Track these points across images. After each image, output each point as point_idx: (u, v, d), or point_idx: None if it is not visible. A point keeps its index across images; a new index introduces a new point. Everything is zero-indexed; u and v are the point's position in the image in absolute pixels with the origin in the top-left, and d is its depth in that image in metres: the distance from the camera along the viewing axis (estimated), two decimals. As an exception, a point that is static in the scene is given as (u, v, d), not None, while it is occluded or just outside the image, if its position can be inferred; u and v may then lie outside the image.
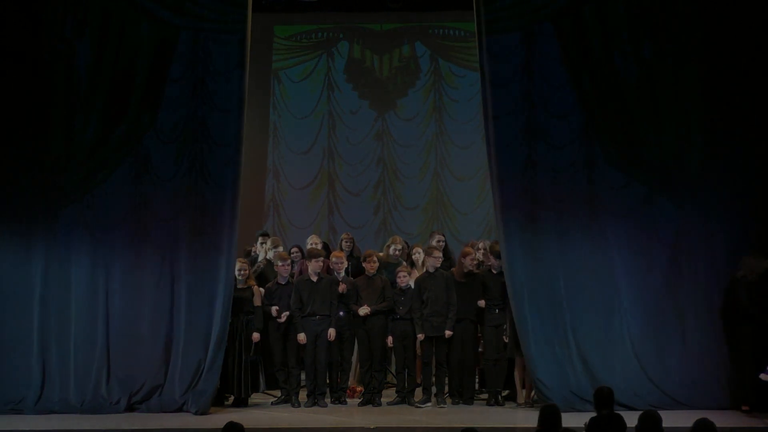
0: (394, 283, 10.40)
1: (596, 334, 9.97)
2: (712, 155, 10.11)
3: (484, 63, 10.11)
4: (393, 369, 10.72)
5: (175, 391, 9.91)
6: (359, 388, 10.58)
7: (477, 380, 10.59)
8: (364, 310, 10.21)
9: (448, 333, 10.14)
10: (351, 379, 10.86)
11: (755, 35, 10.10)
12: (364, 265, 10.50)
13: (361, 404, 10.25)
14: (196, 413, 9.68)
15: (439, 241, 10.99)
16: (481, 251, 10.78)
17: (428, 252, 10.47)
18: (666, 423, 6.40)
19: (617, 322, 10.01)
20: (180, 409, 9.83)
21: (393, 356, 10.60)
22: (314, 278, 10.26)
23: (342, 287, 10.29)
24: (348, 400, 10.44)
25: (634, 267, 10.09)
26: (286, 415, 9.77)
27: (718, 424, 6.04)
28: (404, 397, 10.31)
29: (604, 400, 6.65)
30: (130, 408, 9.90)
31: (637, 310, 10.03)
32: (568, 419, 8.64)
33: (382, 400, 10.29)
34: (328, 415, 9.80)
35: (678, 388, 9.82)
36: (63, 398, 9.95)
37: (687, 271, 10.06)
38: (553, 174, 10.16)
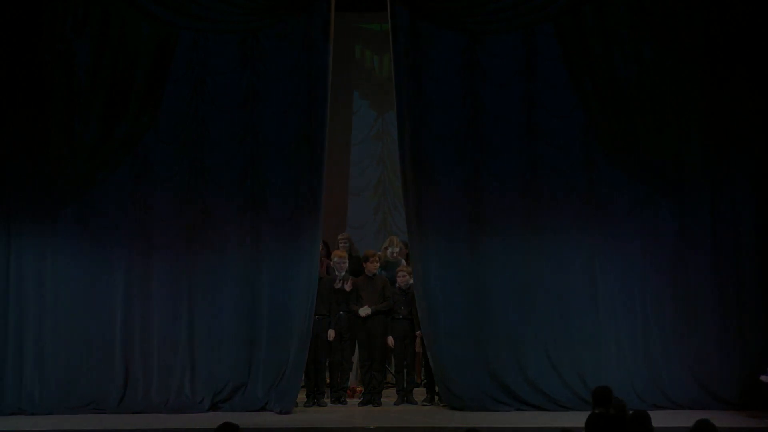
0: (394, 282, 10.40)
1: (558, 335, 10.02)
2: (712, 155, 10.10)
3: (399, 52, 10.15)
4: (392, 369, 10.72)
5: (258, 390, 9.94)
6: (359, 388, 10.58)
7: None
8: (365, 311, 10.21)
9: (446, 334, 10.17)
10: (351, 379, 10.86)
11: (755, 35, 10.09)
12: (365, 265, 10.49)
13: (361, 404, 10.25)
14: (279, 412, 9.71)
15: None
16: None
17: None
18: (666, 423, 6.42)
19: (580, 321, 10.03)
20: (263, 408, 9.85)
21: (392, 356, 10.61)
22: (313, 278, 10.28)
23: (349, 284, 10.29)
24: (348, 400, 10.43)
25: (633, 267, 10.09)
26: (286, 415, 9.76)
27: (717, 425, 6.03)
28: (404, 397, 10.31)
29: (599, 399, 6.68)
30: (214, 407, 9.90)
31: (631, 311, 10.05)
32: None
33: (382, 400, 10.29)
34: (328, 415, 9.81)
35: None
36: (146, 398, 9.96)
37: (687, 270, 10.06)
38: (554, 174, 10.16)
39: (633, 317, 10.05)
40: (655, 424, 6.35)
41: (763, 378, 9.28)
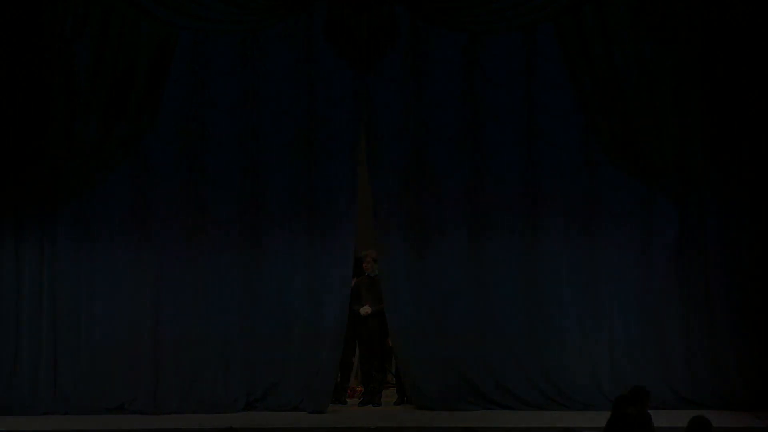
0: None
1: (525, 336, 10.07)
2: (712, 155, 10.09)
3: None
4: (393, 369, 10.72)
5: (291, 390, 9.94)
6: (359, 388, 10.58)
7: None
8: (365, 310, 10.22)
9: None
10: (351, 379, 10.86)
11: (755, 35, 10.07)
12: (364, 266, 10.50)
13: (361, 404, 10.26)
14: (312, 412, 9.73)
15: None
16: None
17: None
18: (666, 423, 6.43)
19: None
20: (297, 408, 9.86)
21: (393, 356, 10.61)
22: (312, 278, 10.27)
23: (351, 283, 10.30)
24: (348, 400, 10.44)
25: (629, 267, 10.12)
26: (286, 415, 9.76)
27: (717, 424, 6.04)
28: (404, 397, 10.31)
29: (635, 398, 6.69)
30: (248, 407, 9.91)
31: (597, 311, 10.09)
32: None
33: (382, 400, 10.29)
34: (328, 414, 9.80)
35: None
36: (180, 398, 9.94)
37: (653, 273, 10.09)
38: (553, 174, 10.17)
39: (599, 317, 10.06)
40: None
41: None
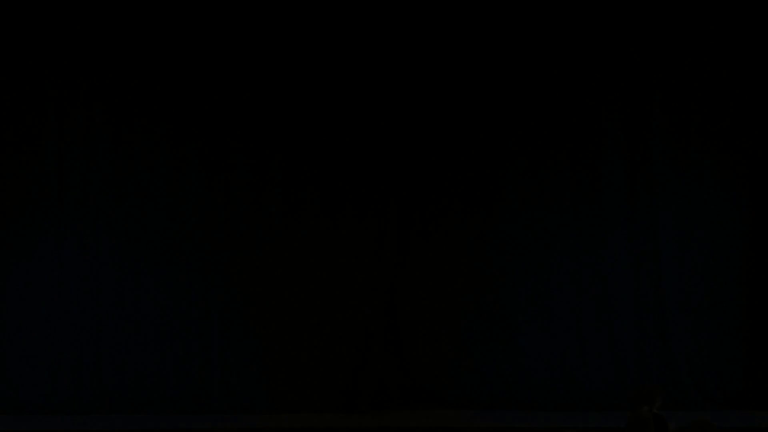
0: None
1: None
2: (699, 149, 10.12)
3: None
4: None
5: (326, 390, 9.96)
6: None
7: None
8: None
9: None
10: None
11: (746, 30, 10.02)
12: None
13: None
14: (347, 412, 9.80)
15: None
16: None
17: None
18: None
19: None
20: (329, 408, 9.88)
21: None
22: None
23: None
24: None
25: (581, 269, 10.14)
26: (285, 415, 9.79)
27: (717, 424, 6.06)
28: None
29: (644, 397, 6.72)
30: (278, 407, 9.92)
31: (548, 310, 10.10)
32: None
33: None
34: (328, 414, 9.81)
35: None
36: (222, 398, 9.95)
37: (638, 272, 10.12)
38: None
39: (552, 319, 10.08)
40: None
41: None
